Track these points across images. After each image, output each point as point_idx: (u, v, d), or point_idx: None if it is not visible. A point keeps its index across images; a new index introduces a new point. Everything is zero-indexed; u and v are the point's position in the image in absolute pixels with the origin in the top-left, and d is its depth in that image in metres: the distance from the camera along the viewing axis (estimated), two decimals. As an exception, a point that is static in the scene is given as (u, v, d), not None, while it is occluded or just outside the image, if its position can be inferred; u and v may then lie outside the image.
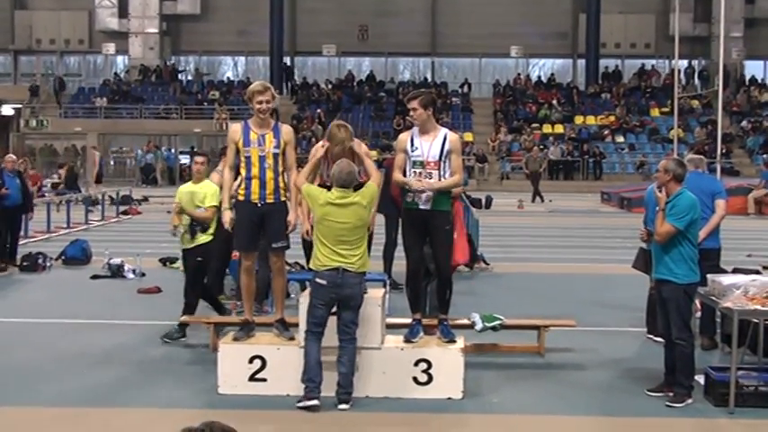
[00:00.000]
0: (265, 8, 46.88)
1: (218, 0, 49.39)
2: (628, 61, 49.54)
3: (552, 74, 49.65)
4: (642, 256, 9.33)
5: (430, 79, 49.13)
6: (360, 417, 6.96)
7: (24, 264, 14.38)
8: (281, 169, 7.64)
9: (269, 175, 7.57)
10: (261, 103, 7.56)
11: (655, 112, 44.47)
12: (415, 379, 7.36)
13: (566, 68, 51.23)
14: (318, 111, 43.17)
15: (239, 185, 7.76)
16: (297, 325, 7.49)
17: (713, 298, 7.61)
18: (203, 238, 9.48)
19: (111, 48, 48.97)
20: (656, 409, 7.22)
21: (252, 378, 7.42)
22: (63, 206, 21.97)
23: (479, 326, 8.63)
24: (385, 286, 9.38)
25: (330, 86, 47.23)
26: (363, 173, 7.71)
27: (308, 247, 8.38)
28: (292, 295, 10.66)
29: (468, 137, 41.26)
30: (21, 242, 15.48)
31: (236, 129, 7.76)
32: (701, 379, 7.50)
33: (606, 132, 42.69)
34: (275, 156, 7.59)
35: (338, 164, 7.29)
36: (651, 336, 9.27)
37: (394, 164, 7.80)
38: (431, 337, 7.67)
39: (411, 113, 7.62)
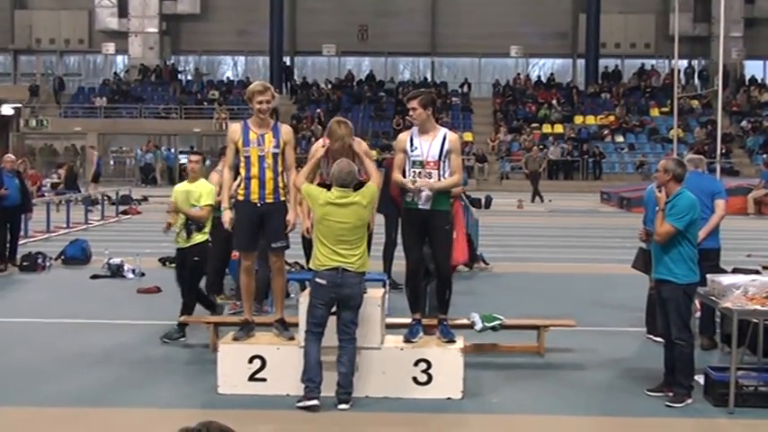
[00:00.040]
0: (265, 8, 46.87)
1: (218, 0, 49.38)
2: (627, 61, 49.54)
3: (552, 74, 49.64)
4: (642, 256, 9.34)
5: (430, 79, 49.11)
6: (359, 417, 6.97)
7: (24, 264, 14.39)
8: (280, 169, 7.63)
9: (268, 174, 7.57)
10: (261, 103, 7.56)
11: (654, 112, 44.47)
12: (414, 379, 7.36)
13: (565, 68, 51.23)
14: (318, 111, 43.17)
15: (239, 185, 7.76)
16: (297, 325, 7.50)
17: (713, 298, 7.61)
18: (199, 238, 9.49)
19: (110, 47, 48.96)
20: (655, 409, 7.22)
21: (252, 378, 7.42)
22: (63, 206, 21.98)
23: (479, 326, 8.64)
24: (385, 286, 9.38)
25: (330, 86, 47.23)
26: (363, 172, 7.71)
27: (307, 246, 8.39)
28: (292, 295, 10.66)
29: (468, 137, 41.26)
30: (20, 242, 15.47)
31: (235, 129, 7.76)
32: (700, 379, 7.50)
33: (606, 132, 42.69)
34: (275, 155, 7.59)
35: (338, 163, 7.29)
36: (651, 336, 9.27)
37: (393, 164, 7.80)
38: (430, 337, 7.67)
39: (411, 113, 7.62)
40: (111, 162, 44.40)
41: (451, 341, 7.57)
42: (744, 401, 7.15)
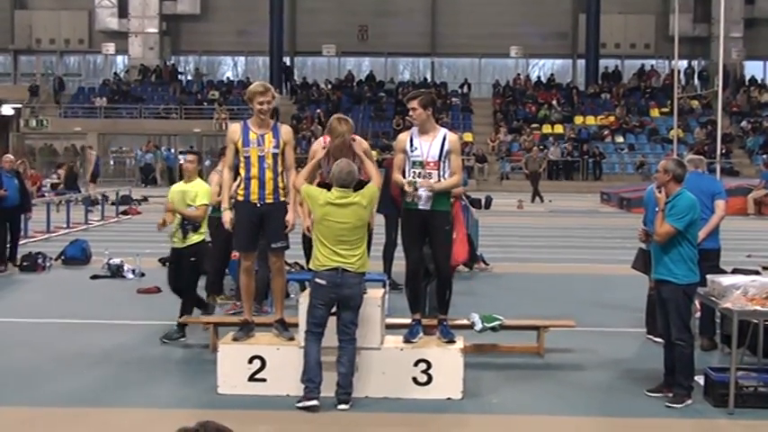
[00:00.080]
0: (265, 8, 46.88)
1: (218, 0, 49.38)
2: (627, 61, 49.55)
3: (552, 74, 49.66)
4: (641, 256, 9.34)
5: (430, 79, 49.11)
6: (359, 417, 6.96)
7: (24, 264, 14.39)
8: (280, 169, 7.63)
9: (268, 175, 7.57)
10: (262, 104, 7.55)
11: (654, 113, 44.46)
12: (414, 379, 7.36)
13: (565, 69, 51.23)
14: (318, 111, 43.17)
15: (238, 186, 7.76)
16: (296, 325, 7.50)
17: (713, 298, 7.61)
18: (195, 238, 9.49)
19: (110, 48, 48.95)
20: (655, 409, 7.22)
21: (251, 378, 7.42)
22: (63, 206, 21.98)
23: (479, 326, 8.63)
24: (384, 286, 9.38)
25: (330, 86, 47.24)
26: (363, 172, 7.70)
27: (307, 247, 8.38)
28: (292, 295, 10.66)
29: (468, 137, 41.27)
30: (20, 242, 15.46)
31: (235, 129, 7.75)
32: (700, 380, 7.50)
33: (606, 133, 42.69)
34: (274, 156, 7.59)
35: (338, 164, 7.29)
36: (651, 336, 9.27)
37: (393, 164, 7.80)
38: (430, 337, 7.67)
39: (410, 113, 7.62)
40: (111, 162, 44.42)
41: (451, 341, 7.57)
42: (744, 402, 7.14)
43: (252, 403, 7.17)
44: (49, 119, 44.14)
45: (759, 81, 47.52)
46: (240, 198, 7.67)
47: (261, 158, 7.55)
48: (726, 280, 7.69)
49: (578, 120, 44.19)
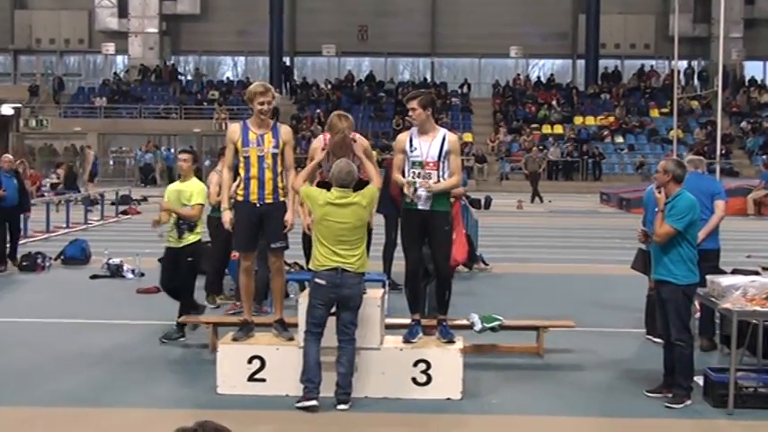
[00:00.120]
0: (265, 8, 46.87)
1: (217, 0, 49.37)
2: (627, 62, 49.54)
3: (552, 74, 49.64)
4: (641, 256, 9.34)
5: (429, 79, 49.09)
6: (359, 417, 6.96)
7: (24, 263, 14.39)
8: (279, 169, 7.62)
9: (268, 175, 7.57)
10: (262, 104, 7.55)
11: (654, 113, 44.46)
12: (414, 379, 7.36)
13: (565, 69, 51.22)
14: (318, 111, 43.14)
15: (238, 186, 7.75)
16: (296, 325, 7.50)
17: (712, 299, 7.61)
18: (191, 238, 9.48)
19: (110, 48, 48.93)
20: (654, 410, 7.22)
21: (251, 378, 7.42)
22: (62, 206, 21.97)
23: (478, 326, 8.64)
24: (384, 287, 9.37)
25: (330, 87, 47.23)
26: (363, 172, 7.70)
27: (307, 247, 8.38)
28: (291, 295, 10.66)
29: (468, 137, 41.26)
30: (20, 242, 15.45)
31: (234, 129, 7.75)
32: (700, 380, 7.50)
33: (606, 133, 42.67)
34: (274, 156, 7.59)
35: (337, 164, 7.29)
36: (650, 337, 9.27)
37: (393, 164, 7.80)
38: (430, 337, 7.67)
39: (410, 113, 7.63)
40: (111, 162, 44.40)
41: (451, 342, 7.57)
42: (743, 403, 7.14)
43: (251, 403, 7.17)
44: (48, 119, 44.13)
45: (759, 81, 47.50)
46: (240, 198, 7.67)
47: (260, 158, 7.55)
48: (725, 280, 7.69)
49: (578, 120, 44.19)
